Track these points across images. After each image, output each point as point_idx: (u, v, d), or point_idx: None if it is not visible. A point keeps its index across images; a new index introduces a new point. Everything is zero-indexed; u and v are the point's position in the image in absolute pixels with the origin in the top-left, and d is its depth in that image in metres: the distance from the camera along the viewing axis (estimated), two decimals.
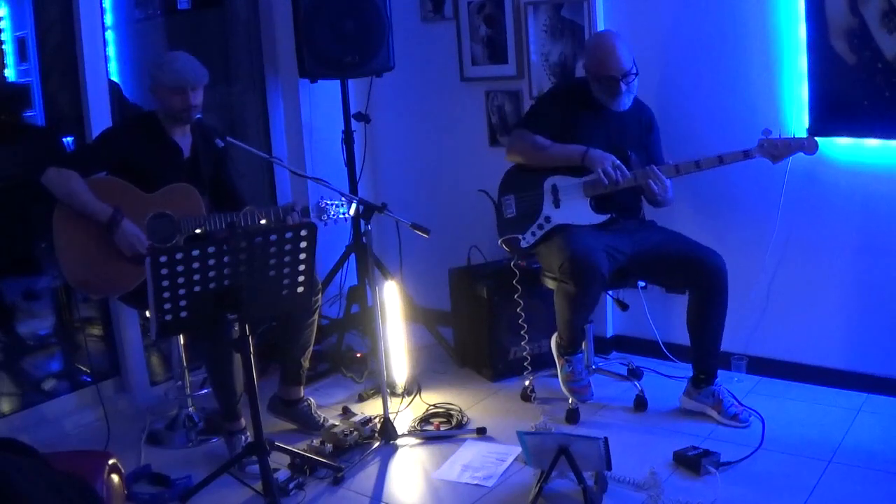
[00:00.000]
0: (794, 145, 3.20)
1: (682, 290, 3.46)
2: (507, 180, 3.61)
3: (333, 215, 3.37)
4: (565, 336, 3.43)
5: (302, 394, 3.51)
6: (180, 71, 3.18)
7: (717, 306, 3.31)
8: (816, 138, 3.21)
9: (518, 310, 3.65)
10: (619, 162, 3.35)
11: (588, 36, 3.79)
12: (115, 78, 4.01)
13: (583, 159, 3.38)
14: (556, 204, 3.45)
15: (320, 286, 3.53)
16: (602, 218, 3.41)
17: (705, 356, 3.38)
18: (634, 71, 3.36)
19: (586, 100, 3.47)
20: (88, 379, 3.76)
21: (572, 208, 3.44)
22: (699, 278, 3.30)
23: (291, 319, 3.37)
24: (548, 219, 3.45)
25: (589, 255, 3.22)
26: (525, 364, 3.72)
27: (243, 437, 3.23)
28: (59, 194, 3.09)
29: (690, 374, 3.44)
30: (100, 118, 3.63)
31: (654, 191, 3.32)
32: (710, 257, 3.30)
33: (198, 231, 3.21)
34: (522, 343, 3.70)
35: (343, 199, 3.37)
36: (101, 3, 3.68)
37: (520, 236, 3.49)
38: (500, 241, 3.59)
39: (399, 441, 3.32)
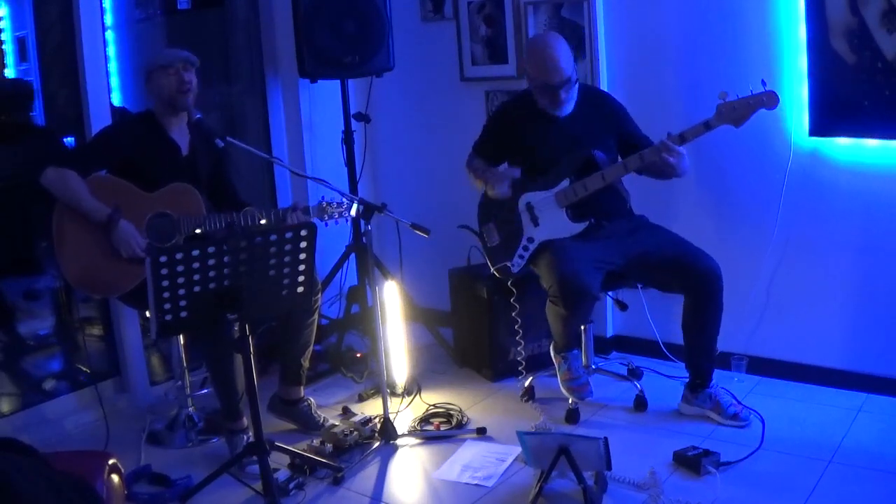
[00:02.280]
0: (753, 103, 3.04)
1: (679, 292, 3.45)
2: (483, 210, 3.58)
3: (334, 216, 3.36)
4: (560, 342, 3.43)
5: (302, 394, 3.51)
6: (171, 51, 3.27)
7: (712, 311, 3.28)
8: (816, 137, 3.18)
9: (517, 312, 3.65)
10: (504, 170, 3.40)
11: (588, 36, 3.80)
12: (114, 78, 4.01)
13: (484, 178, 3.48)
14: (535, 222, 3.40)
15: (320, 286, 3.53)
16: (581, 226, 3.35)
17: (701, 360, 3.36)
18: (574, 78, 3.30)
19: (530, 111, 3.42)
20: (88, 379, 3.76)
21: (551, 223, 3.38)
22: (693, 283, 3.26)
23: (291, 319, 3.37)
24: (531, 239, 3.41)
25: (577, 276, 3.17)
26: (524, 364, 3.72)
27: (245, 437, 3.23)
28: (57, 194, 3.09)
29: (686, 378, 3.43)
30: (100, 118, 3.63)
31: (671, 163, 3.17)
32: (704, 261, 3.25)
33: (198, 231, 3.21)
34: (522, 343, 3.70)
35: (343, 199, 3.37)
36: (101, 3, 3.68)
37: (508, 263, 3.46)
38: (492, 270, 3.56)
39: (399, 441, 3.32)
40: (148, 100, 3.35)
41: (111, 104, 3.94)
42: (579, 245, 3.31)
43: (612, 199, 3.41)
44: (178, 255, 2.57)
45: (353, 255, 4.17)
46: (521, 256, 3.43)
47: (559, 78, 3.26)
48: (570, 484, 2.83)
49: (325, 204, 3.34)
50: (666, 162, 3.18)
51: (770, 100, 3.03)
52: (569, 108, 3.37)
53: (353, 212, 3.37)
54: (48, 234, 3.13)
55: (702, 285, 3.25)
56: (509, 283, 3.59)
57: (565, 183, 3.35)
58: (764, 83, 3.03)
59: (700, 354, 3.37)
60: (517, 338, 3.69)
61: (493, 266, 3.54)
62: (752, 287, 3.66)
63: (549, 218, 3.38)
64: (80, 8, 3.55)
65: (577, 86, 3.35)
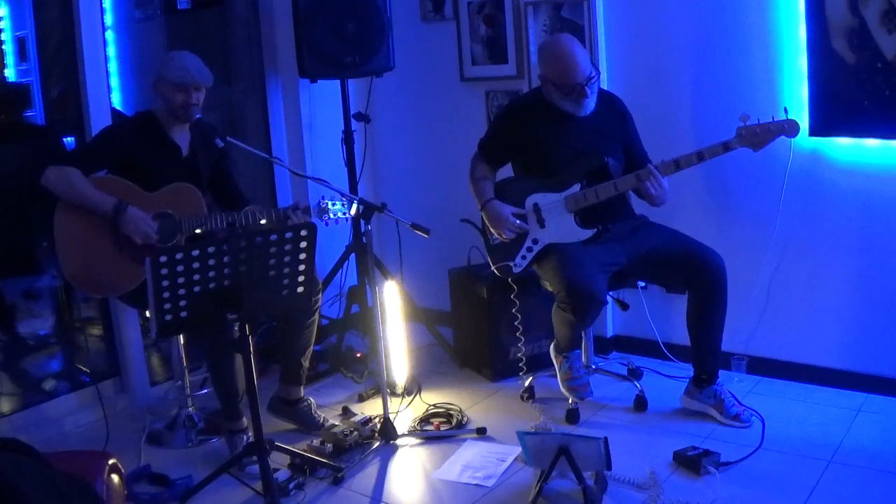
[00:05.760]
0: (774, 129, 3.08)
1: (683, 290, 3.45)
2: None
3: (334, 215, 3.36)
4: (563, 344, 3.43)
5: (302, 394, 3.51)
6: (187, 68, 3.19)
7: (717, 306, 3.29)
8: (805, 128, 3.14)
9: (517, 308, 3.65)
10: (516, 222, 3.35)
11: (588, 36, 3.80)
12: (114, 78, 4.01)
13: (482, 209, 3.45)
14: (541, 224, 3.38)
15: (320, 286, 3.53)
16: (589, 233, 3.32)
17: (706, 356, 3.37)
18: (595, 74, 3.28)
19: (543, 111, 3.38)
20: (88, 379, 3.76)
21: (558, 226, 3.35)
22: (697, 278, 3.28)
23: (291, 319, 3.37)
24: (535, 241, 3.38)
25: (587, 283, 3.15)
26: (524, 364, 3.72)
27: (244, 437, 3.23)
28: (60, 192, 3.08)
29: (691, 373, 3.43)
30: (100, 118, 3.63)
31: (652, 194, 3.22)
32: (709, 256, 3.27)
33: (198, 231, 3.21)
34: (522, 343, 3.70)
35: (343, 199, 3.37)
36: (101, 3, 3.68)
37: (511, 263, 3.43)
38: (493, 269, 3.54)
39: (399, 441, 3.32)
40: (149, 98, 3.33)
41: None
42: (585, 249, 3.30)
43: (617, 203, 3.40)
44: (178, 256, 2.57)
45: (353, 255, 4.17)
46: (524, 257, 3.41)
47: (582, 76, 3.24)
48: (570, 484, 2.83)
49: (324, 204, 3.33)
50: (646, 191, 3.22)
51: (791, 128, 3.07)
52: (590, 107, 3.33)
53: (352, 211, 3.37)
54: (49, 233, 3.13)
55: (707, 279, 3.26)
56: (510, 281, 3.58)
57: (576, 187, 3.32)
58: (786, 111, 3.08)
59: (706, 350, 3.36)
60: (517, 334, 3.68)
61: (493, 265, 3.53)
62: (752, 287, 3.66)
63: (557, 221, 3.36)
64: (80, 8, 3.55)
65: (598, 84, 3.33)
